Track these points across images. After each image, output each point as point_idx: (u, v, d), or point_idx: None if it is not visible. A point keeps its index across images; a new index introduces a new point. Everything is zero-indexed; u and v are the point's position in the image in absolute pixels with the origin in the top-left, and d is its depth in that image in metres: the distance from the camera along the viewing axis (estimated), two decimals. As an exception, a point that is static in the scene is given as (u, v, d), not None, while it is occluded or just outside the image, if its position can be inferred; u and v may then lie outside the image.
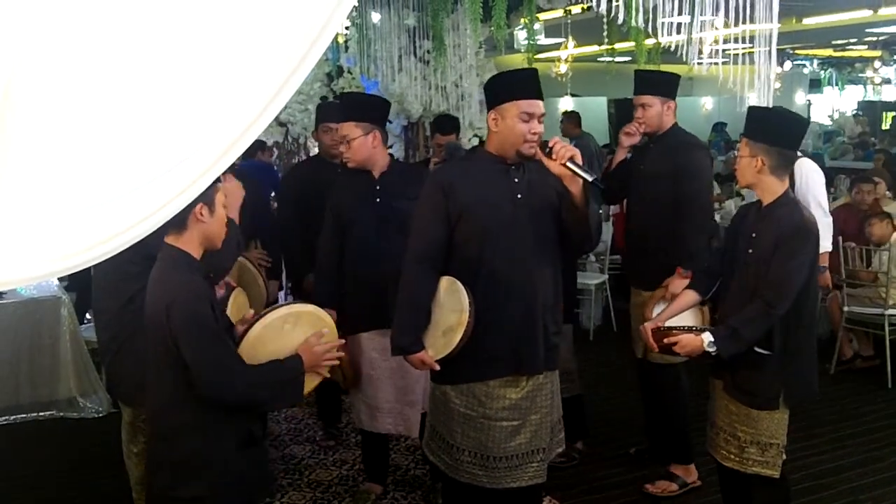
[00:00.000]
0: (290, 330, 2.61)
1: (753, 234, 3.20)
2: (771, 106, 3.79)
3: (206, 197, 2.43)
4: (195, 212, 2.43)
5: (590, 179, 2.83)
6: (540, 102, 2.99)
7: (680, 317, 3.44)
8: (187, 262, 2.48)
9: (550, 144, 2.86)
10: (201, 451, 2.47)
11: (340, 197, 3.85)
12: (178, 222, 2.44)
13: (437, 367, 3.05)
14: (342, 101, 4.06)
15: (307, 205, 4.41)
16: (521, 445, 3.07)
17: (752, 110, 3.28)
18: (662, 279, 3.96)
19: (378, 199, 3.76)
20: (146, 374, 2.56)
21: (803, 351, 3.19)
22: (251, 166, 6.65)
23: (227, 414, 2.50)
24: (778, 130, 3.17)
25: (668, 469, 4.28)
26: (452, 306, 2.99)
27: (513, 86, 3.01)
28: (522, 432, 3.07)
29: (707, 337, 3.10)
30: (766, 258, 3.10)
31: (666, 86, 4.20)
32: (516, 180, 3.03)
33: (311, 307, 2.73)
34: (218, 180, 2.43)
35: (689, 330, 3.21)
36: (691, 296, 3.46)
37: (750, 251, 3.19)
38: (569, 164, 2.81)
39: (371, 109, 3.84)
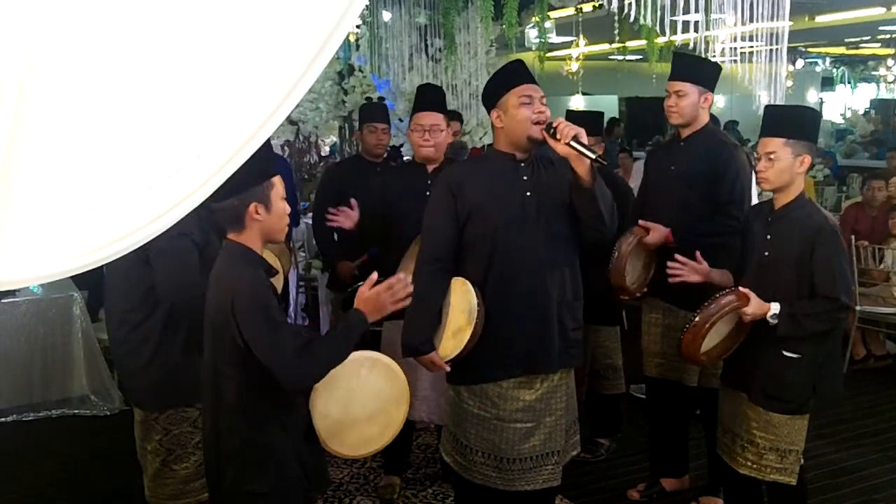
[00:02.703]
0: (367, 375, 2.62)
1: (768, 237, 3.16)
2: (784, 104, 3.75)
3: (260, 195, 2.43)
4: (250, 211, 2.42)
5: (592, 157, 2.79)
6: (536, 86, 2.99)
7: None
8: (248, 256, 2.48)
9: (555, 125, 2.84)
10: (270, 444, 2.48)
11: (391, 191, 3.94)
12: (236, 222, 2.45)
13: (448, 369, 3.03)
14: (436, 92, 4.14)
15: (343, 199, 4.52)
16: (535, 447, 3.04)
17: (793, 109, 3.20)
18: (690, 292, 3.46)
19: (427, 193, 3.77)
20: (205, 371, 2.53)
21: (832, 355, 3.18)
22: None
23: (294, 406, 2.52)
24: (815, 127, 3.16)
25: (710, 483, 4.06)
26: (462, 307, 2.98)
27: (504, 78, 3.04)
28: (537, 434, 3.04)
29: (775, 307, 3.02)
30: (788, 262, 3.07)
31: (707, 75, 3.76)
32: (525, 178, 3.01)
33: (386, 358, 2.73)
34: (273, 174, 2.47)
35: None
36: None
37: (766, 254, 3.16)
38: (573, 143, 2.78)
39: (445, 105, 4.06)
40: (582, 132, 2.80)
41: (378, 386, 2.66)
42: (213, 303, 2.47)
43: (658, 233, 3.68)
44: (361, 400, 2.64)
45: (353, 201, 4.04)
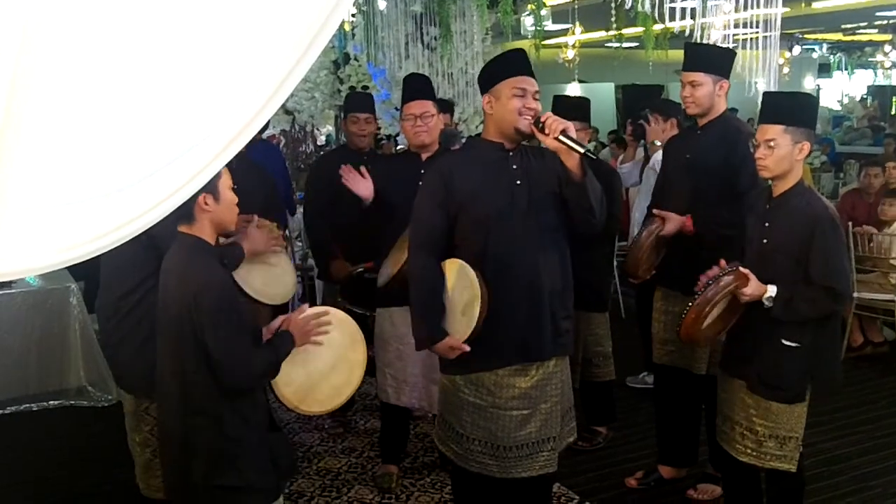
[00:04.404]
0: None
1: (766, 224, 3.16)
2: (778, 90, 3.73)
3: (208, 185, 2.40)
4: (199, 202, 2.43)
5: (582, 151, 2.78)
6: (533, 80, 2.98)
7: None
8: (205, 249, 2.49)
9: (542, 119, 2.83)
10: (237, 438, 2.49)
11: (385, 180, 3.96)
12: (186, 215, 2.45)
13: (468, 349, 2.98)
14: (421, 80, 4.14)
15: (334, 192, 4.52)
16: (531, 434, 3.05)
17: (791, 96, 3.19)
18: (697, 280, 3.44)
19: (420, 183, 3.77)
20: (163, 366, 2.55)
21: (830, 342, 3.19)
22: (257, 151, 6.47)
23: (255, 399, 2.55)
24: (813, 113, 3.17)
25: (707, 471, 4.11)
26: (463, 284, 2.98)
27: (503, 66, 3.02)
28: (532, 421, 3.05)
29: (772, 289, 3.03)
30: (787, 250, 3.07)
31: (720, 62, 3.76)
32: (514, 167, 3.01)
33: (342, 314, 2.79)
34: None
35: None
36: None
37: (765, 241, 3.16)
38: (561, 137, 2.77)
39: (433, 92, 4.09)
40: (570, 126, 2.80)
41: (327, 336, 2.70)
42: (173, 298, 2.45)
43: (674, 222, 3.70)
44: (317, 355, 2.69)
45: (363, 169, 3.99)
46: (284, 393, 2.65)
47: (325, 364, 2.71)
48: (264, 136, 6.77)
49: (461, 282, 2.99)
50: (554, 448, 3.11)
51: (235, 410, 2.48)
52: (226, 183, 2.49)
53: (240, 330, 2.42)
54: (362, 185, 3.94)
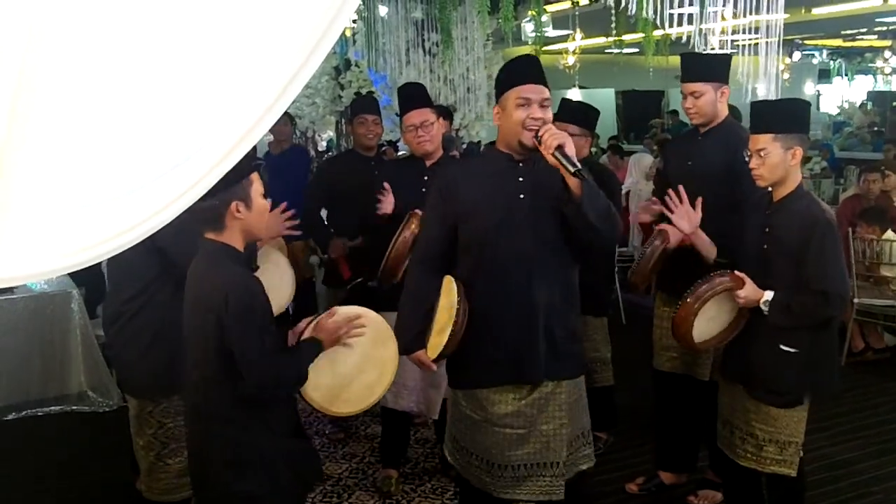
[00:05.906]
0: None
1: (766, 229, 3.16)
2: (779, 97, 3.72)
3: (240, 193, 2.41)
4: (231, 210, 2.41)
5: (572, 170, 2.62)
6: (540, 87, 2.81)
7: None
8: (233, 255, 2.47)
9: (540, 133, 2.70)
10: (256, 444, 2.48)
11: (391, 184, 3.98)
12: (215, 221, 2.43)
13: (434, 368, 3.02)
14: (417, 89, 4.14)
15: (336, 193, 4.67)
16: (528, 455, 2.90)
17: (778, 103, 3.20)
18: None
19: (423, 189, 3.76)
20: (189, 373, 2.53)
21: (828, 349, 3.19)
22: (291, 153, 6.34)
23: (280, 404, 2.54)
24: (803, 118, 3.16)
25: (707, 477, 4.11)
26: (444, 305, 2.95)
27: (507, 75, 2.90)
28: (530, 442, 2.91)
29: (769, 294, 3.05)
30: (786, 254, 3.07)
31: (719, 69, 3.71)
32: (521, 179, 2.88)
33: (343, 308, 2.78)
34: (252, 170, 2.45)
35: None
36: None
37: (765, 246, 3.16)
38: (556, 153, 2.64)
39: (429, 98, 4.11)
40: (567, 141, 2.67)
41: (352, 337, 2.70)
42: (200, 304, 2.45)
43: (676, 235, 3.65)
44: (343, 357, 2.68)
45: (386, 185, 4.02)
46: (313, 396, 2.64)
47: (354, 365, 2.69)
48: (266, 141, 6.75)
49: (445, 302, 2.94)
50: (558, 474, 2.92)
51: (255, 416, 2.47)
52: (257, 190, 2.47)
53: (266, 334, 2.40)
54: (389, 205, 3.99)
